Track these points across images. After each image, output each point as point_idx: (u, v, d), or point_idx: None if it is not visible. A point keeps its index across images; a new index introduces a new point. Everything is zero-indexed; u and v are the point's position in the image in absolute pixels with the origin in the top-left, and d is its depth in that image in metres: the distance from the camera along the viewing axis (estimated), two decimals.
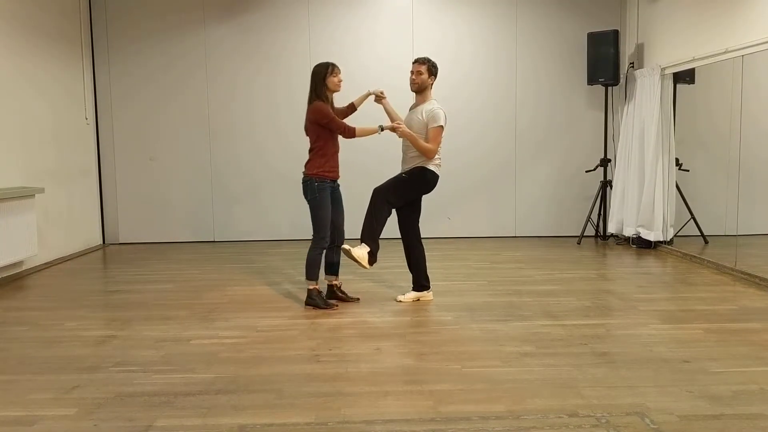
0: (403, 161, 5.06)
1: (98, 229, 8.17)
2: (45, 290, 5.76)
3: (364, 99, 5.20)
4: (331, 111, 4.84)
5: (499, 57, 8.16)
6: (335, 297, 5.10)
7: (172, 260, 7.07)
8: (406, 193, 4.98)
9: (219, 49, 8.06)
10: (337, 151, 4.96)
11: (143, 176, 8.21)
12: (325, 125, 4.80)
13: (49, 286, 5.90)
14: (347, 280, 5.74)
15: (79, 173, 7.63)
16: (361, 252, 4.78)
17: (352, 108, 5.17)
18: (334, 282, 5.13)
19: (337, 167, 4.98)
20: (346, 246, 4.81)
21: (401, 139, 5.05)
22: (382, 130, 4.89)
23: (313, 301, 4.93)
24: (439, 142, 4.88)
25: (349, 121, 5.03)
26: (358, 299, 5.15)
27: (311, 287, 4.95)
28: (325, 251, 5.02)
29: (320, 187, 4.85)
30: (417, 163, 4.93)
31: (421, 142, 4.84)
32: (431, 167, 4.93)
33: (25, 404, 3.16)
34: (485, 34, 8.14)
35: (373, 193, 4.93)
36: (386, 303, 5.05)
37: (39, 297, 5.53)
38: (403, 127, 4.83)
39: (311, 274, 4.91)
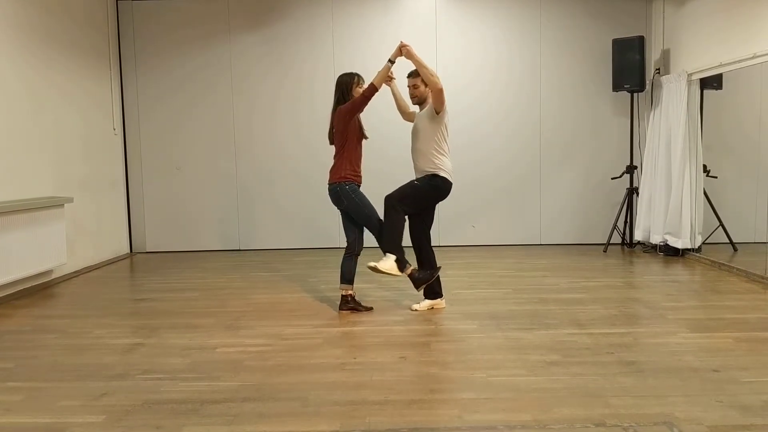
0: (415, 169, 5.06)
1: (126, 238, 8.27)
2: (74, 298, 5.84)
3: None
4: (348, 103, 4.87)
5: (524, 64, 8.14)
6: (347, 308, 5.05)
7: (198, 268, 7.13)
8: (417, 199, 4.95)
9: (244, 59, 8.14)
10: (360, 158, 5.02)
11: (170, 185, 8.31)
12: (355, 112, 4.84)
13: (78, 295, 5.98)
14: (371, 288, 5.76)
15: (107, 183, 7.75)
16: (388, 263, 4.78)
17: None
18: (350, 292, 5.07)
19: (361, 174, 5.03)
20: (371, 263, 4.79)
21: (410, 147, 5.07)
22: (392, 62, 4.89)
23: (422, 278, 4.92)
24: (438, 88, 4.77)
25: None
26: (371, 308, 5.12)
27: (408, 271, 4.91)
28: (343, 261, 5.04)
29: (352, 189, 4.91)
30: (429, 170, 4.93)
31: (430, 69, 4.83)
32: (443, 174, 4.92)
33: (54, 411, 3.20)
34: (509, 41, 8.12)
35: (385, 201, 4.91)
36: (409, 311, 5.04)
37: (68, 305, 5.61)
38: (408, 46, 4.84)
39: (394, 248, 4.85)
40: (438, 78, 4.81)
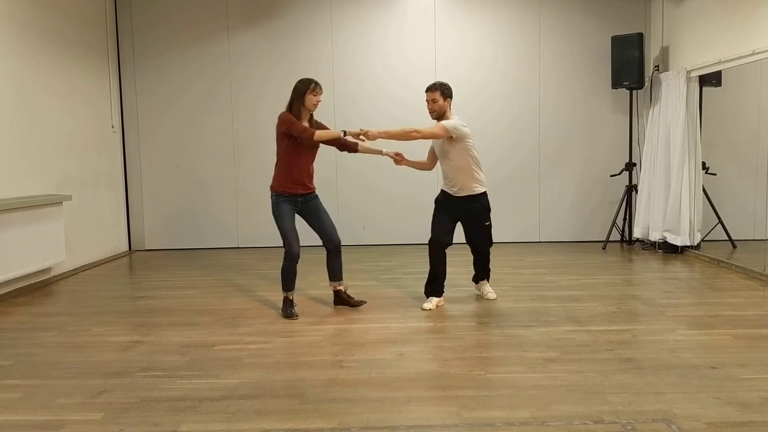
0: (455, 185, 4.99)
1: (124, 236, 8.26)
2: (72, 296, 5.84)
3: (374, 153, 5.10)
4: (292, 117, 4.69)
5: (523, 62, 8.13)
6: (342, 302, 5.08)
7: (196, 266, 7.13)
8: (491, 225, 5.14)
9: (243, 57, 8.13)
10: (301, 167, 4.80)
11: (168, 183, 8.30)
12: (286, 131, 4.68)
13: (77, 292, 5.98)
14: (370, 286, 5.76)
15: (105, 181, 7.73)
16: (489, 287, 5.37)
17: (352, 147, 4.99)
18: (339, 288, 5.08)
19: (301, 184, 4.82)
20: (490, 297, 5.25)
21: (443, 165, 5.04)
22: (345, 135, 4.78)
23: (285, 309, 4.92)
24: (433, 133, 4.80)
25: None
26: (365, 302, 5.12)
27: (284, 296, 4.94)
28: (327, 260, 5.02)
29: (276, 200, 4.80)
30: (475, 189, 4.96)
31: (403, 129, 4.84)
32: (483, 189, 5.01)
33: (52, 408, 3.20)
34: (508, 38, 8.11)
35: (487, 248, 5.23)
36: (409, 308, 5.04)
37: (66, 303, 5.61)
38: (371, 131, 4.73)
39: (284, 285, 4.90)
40: (416, 130, 4.76)
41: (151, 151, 8.27)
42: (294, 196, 4.82)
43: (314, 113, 4.89)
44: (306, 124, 4.77)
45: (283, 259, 4.85)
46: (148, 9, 8.09)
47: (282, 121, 4.71)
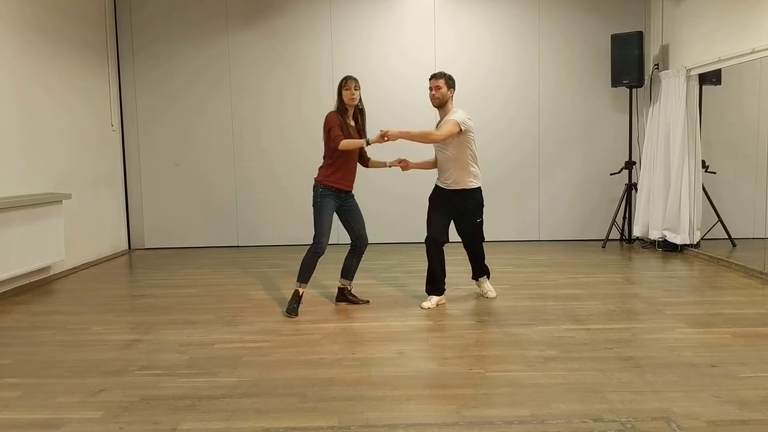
0: (449, 178, 4.99)
1: (124, 235, 8.26)
2: (72, 295, 5.84)
3: (380, 166, 5.17)
4: (334, 120, 4.80)
5: (523, 60, 8.12)
6: (345, 300, 5.14)
7: (196, 265, 7.13)
8: (482, 222, 5.14)
9: (242, 56, 8.12)
10: (349, 164, 4.94)
11: (168, 182, 8.29)
12: (327, 132, 4.84)
13: (76, 291, 5.97)
14: (369, 284, 5.75)
15: (105, 179, 7.73)
16: (488, 284, 5.37)
17: (365, 161, 5.14)
18: (347, 286, 5.15)
19: (348, 180, 4.96)
20: (490, 296, 5.25)
21: (438, 155, 5.05)
22: (368, 143, 4.83)
23: (290, 303, 4.93)
24: (450, 133, 4.78)
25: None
26: (368, 302, 5.17)
27: (297, 288, 4.94)
28: (345, 255, 5.10)
29: (323, 194, 4.87)
30: (469, 184, 4.96)
31: (422, 131, 4.91)
32: (477, 184, 5.00)
33: (52, 407, 3.20)
34: (508, 37, 8.10)
35: (478, 244, 5.22)
36: (408, 307, 5.04)
37: (66, 301, 5.60)
38: (391, 131, 4.73)
39: (301, 276, 4.92)
40: (433, 133, 4.85)
41: (150, 150, 8.26)
42: (340, 191, 4.94)
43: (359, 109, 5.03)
44: (351, 121, 4.93)
45: (308, 250, 4.92)
46: (148, 8, 8.09)
47: (325, 121, 4.86)
